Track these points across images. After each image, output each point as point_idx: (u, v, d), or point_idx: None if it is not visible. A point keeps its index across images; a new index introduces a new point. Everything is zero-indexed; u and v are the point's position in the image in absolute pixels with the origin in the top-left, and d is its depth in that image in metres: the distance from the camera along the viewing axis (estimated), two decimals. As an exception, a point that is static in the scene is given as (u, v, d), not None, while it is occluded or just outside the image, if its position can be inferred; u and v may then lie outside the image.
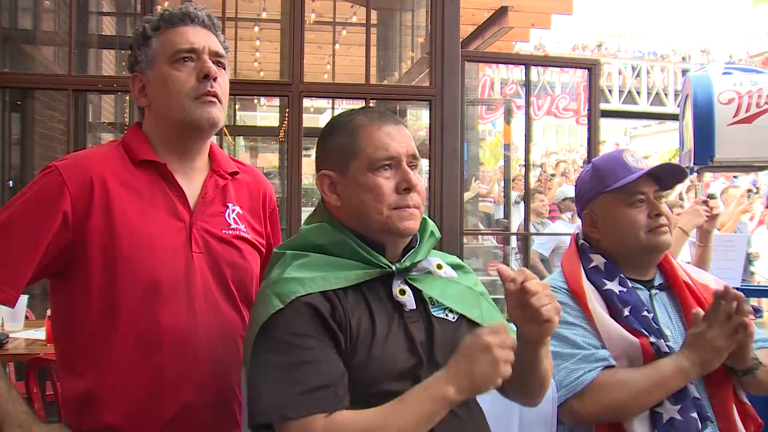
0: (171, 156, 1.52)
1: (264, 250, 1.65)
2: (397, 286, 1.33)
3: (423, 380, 1.23)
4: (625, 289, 1.74)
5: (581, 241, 1.87)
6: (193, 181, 1.54)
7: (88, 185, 1.41)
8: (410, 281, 1.34)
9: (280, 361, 1.21)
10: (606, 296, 1.74)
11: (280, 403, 1.19)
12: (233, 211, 1.57)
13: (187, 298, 1.45)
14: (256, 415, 1.23)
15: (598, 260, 1.81)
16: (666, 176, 1.81)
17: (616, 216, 1.78)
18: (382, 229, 1.32)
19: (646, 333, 1.68)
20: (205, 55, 1.51)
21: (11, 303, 1.40)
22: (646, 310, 1.73)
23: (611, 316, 1.71)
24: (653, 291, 1.81)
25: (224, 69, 1.56)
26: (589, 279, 1.78)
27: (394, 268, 1.33)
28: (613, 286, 1.75)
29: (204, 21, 1.55)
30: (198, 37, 1.52)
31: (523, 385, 1.39)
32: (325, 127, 1.43)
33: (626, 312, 1.70)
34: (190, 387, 1.44)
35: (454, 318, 1.34)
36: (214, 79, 1.50)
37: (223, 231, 1.54)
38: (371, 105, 4.41)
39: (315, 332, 1.23)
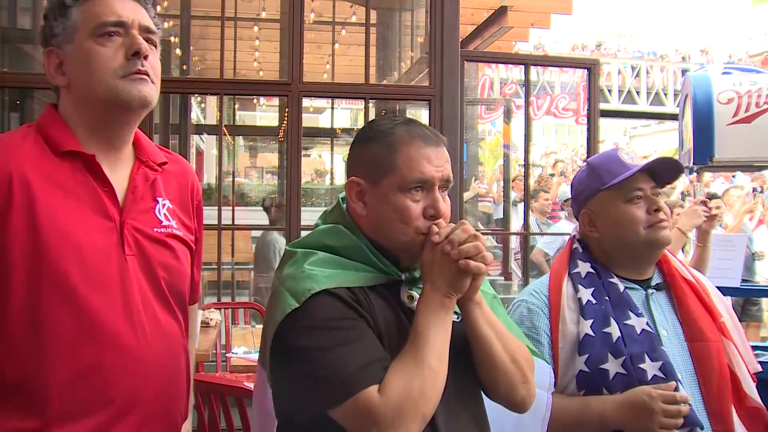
0: (96, 145, 1.35)
1: (194, 246, 1.51)
2: (405, 292, 1.34)
3: None
4: (595, 301, 1.73)
5: (575, 245, 1.87)
6: (119, 174, 1.37)
7: (5, 181, 1.24)
8: (417, 289, 1.35)
9: (320, 345, 1.21)
10: (579, 304, 1.74)
11: (336, 385, 1.19)
12: (163, 206, 1.42)
13: (124, 308, 1.30)
14: (307, 407, 1.22)
15: (582, 267, 1.80)
16: (662, 172, 1.80)
17: (615, 213, 1.77)
18: (402, 249, 1.33)
19: (599, 353, 1.66)
20: (135, 30, 1.34)
21: None
22: (626, 315, 1.70)
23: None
24: (650, 291, 1.80)
25: (155, 47, 1.39)
26: (572, 284, 1.78)
27: (403, 277, 1.35)
28: (584, 294, 1.74)
29: None
30: (126, 8, 1.35)
31: (479, 366, 1.35)
32: (365, 130, 1.39)
33: (588, 325, 1.69)
34: (137, 405, 1.31)
35: (458, 318, 1.35)
36: (145, 57, 1.34)
37: (155, 229, 1.38)
38: (371, 103, 4.42)
39: (348, 315, 1.24)
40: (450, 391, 1.27)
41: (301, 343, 1.22)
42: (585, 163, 1.94)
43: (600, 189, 1.80)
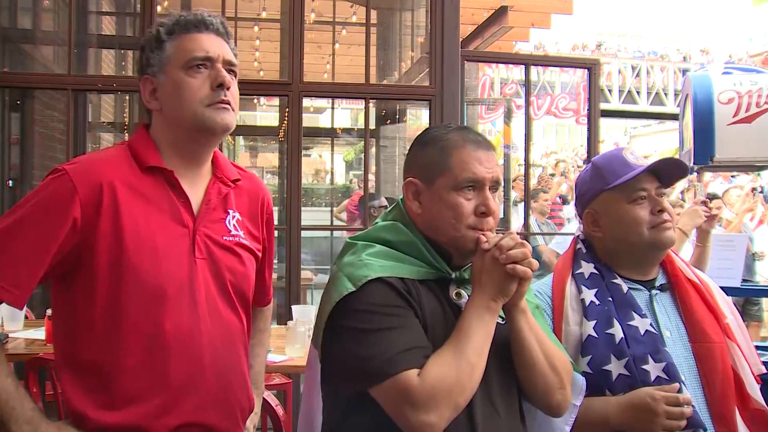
0: (178, 161, 1.54)
1: (260, 255, 1.69)
2: (454, 289, 1.43)
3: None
4: (598, 302, 1.73)
5: (579, 245, 1.87)
6: (197, 187, 1.56)
7: (97, 190, 1.43)
8: (466, 289, 1.43)
9: (369, 327, 1.31)
10: (582, 305, 1.75)
11: (378, 365, 1.28)
12: (233, 217, 1.60)
13: (190, 303, 1.47)
14: (351, 384, 1.33)
15: (586, 268, 1.80)
16: (667, 172, 1.80)
17: (619, 213, 1.77)
18: (453, 245, 1.42)
19: (602, 355, 1.67)
20: (219, 64, 1.53)
21: (20, 305, 1.41)
22: (630, 316, 1.71)
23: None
24: (654, 292, 1.79)
25: (235, 76, 1.58)
26: (575, 284, 1.79)
27: (454, 275, 1.44)
28: (587, 295, 1.75)
29: (218, 29, 1.57)
30: (213, 45, 1.54)
31: (519, 370, 1.43)
32: (421, 137, 1.51)
33: (591, 327, 1.70)
34: (194, 390, 1.47)
35: (503, 321, 1.42)
36: (228, 88, 1.53)
37: (224, 238, 1.57)
38: (371, 103, 4.41)
39: (397, 303, 1.33)
40: (492, 387, 1.38)
41: (351, 323, 1.33)
42: (589, 163, 1.94)
43: (604, 189, 1.80)
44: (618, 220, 1.77)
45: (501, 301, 1.36)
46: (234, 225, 1.60)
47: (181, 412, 1.45)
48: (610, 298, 1.74)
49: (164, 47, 1.54)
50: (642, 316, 1.71)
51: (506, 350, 1.42)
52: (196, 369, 1.47)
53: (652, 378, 1.64)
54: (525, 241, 1.37)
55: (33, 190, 1.46)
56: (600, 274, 1.79)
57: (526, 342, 1.40)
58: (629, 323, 1.70)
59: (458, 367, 1.28)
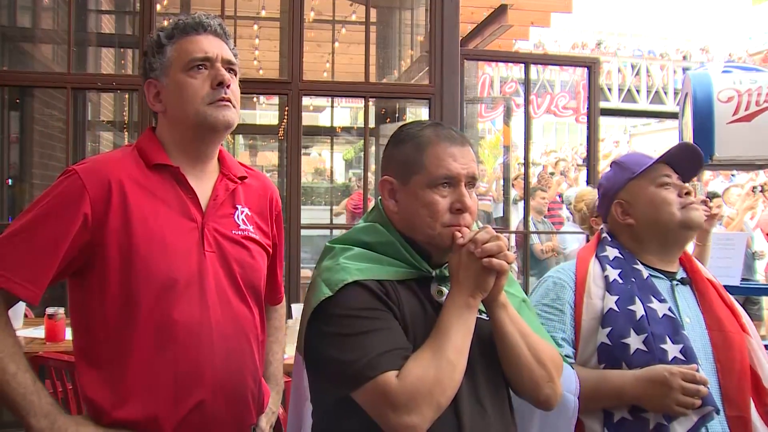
0: (184, 159, 1.59)
1: (270, 251, 1.73)
2: (435, 287, 1.42)
3: (463, 379, 1.32)
4: (621, 281, 1.77)
5: (604, 235, 1.92)
6: (204, 184, 1.61)
7: (106, 188, 1.47)
8: (447, 286, 1.42)
9: (347, 332, 1.30)
10: (606, 281, 1.79)
11: (357, 369, 1.27)
12: (242, 212, 1.64)
13: (200, 295, 1.51)
14: (333, 389, 1.33)
15: (610, 252, 1.85)
16: (684, 166, 1.87)
17: (648, 196, 1.84)
18: (430, 242, 1.41)
19: (622, 328, 1.70)
20: (218, 63, 1.58)
21: (35, 300, 1.44)
22: (649, 299, 1.74)
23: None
24: (674, 282, 1.84)
25: (235, 75, 1.63)
26: (599, 264, 1.84)
27: (434, 273, 1.43)
28: (611, 273, 1.79)
29: (216, 30, 1.62)
30: (211, 45, 1.59)
31: (504, 365, 1.42)
32: (395, 135, 1.50)
33: (613, 301, 1.74)
34: (204, 381, 1.50)
35: (487, 316, 1.41)
36: (228, 86, 1.58)
37: (233, 231, 1.61)
38: (371, 102, 4.41)
39: (375, 306, 1.33)
40: (479, 384, 1.37)
41: (330, 329, 1.32)
42: (609, 166, 2.01)
43: (630, 178, 1.87)
44: (649, 203, 1.83)
45: (479, 296, 1.35)
46: (243, 220, 1.63)
47: (193, 402, 1.48)
48: (633, 280, 1.78)
49: (165, 51, 1.59)
50: (661, 301, 1.74)
51: (492, 346, 1.41)
52: (206, 359, 1.50)
53: (670, 357, 1.66)
54: (499, 235, 1.36)
55: (45, 191, 1.50)
56: (624, 258, 1.84)
57: (508, 337, 1.39)
58: (649, 305, 1.73)
59: (438, 367, 1.27)
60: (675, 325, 1.71)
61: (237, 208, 1.64)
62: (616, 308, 1.73)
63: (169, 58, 1.59)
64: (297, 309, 3.42)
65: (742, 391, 1.72)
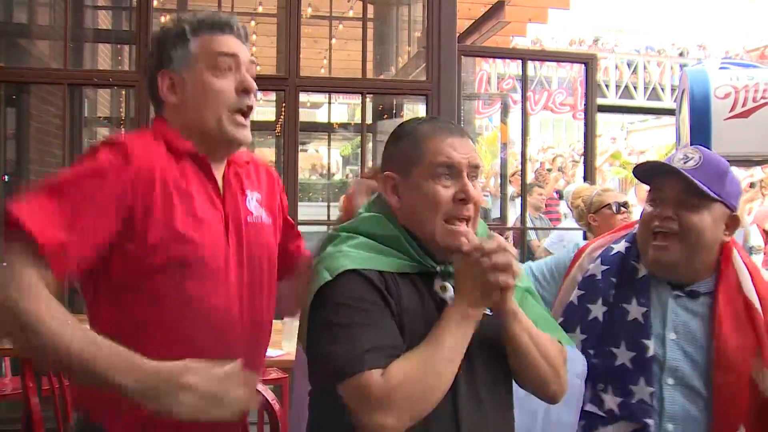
0: (200, 149, 1.57)
1: (281, 227, 1.77)
2: (439, 282, 1.40)
3: (461, 374, 1.32)
4: (599, 277, 1.74)
5: (634, 230, 1.79)
6: (217, 173, 1.60)
7: (151, 175, 1.45)
8: (451, 282, 1.39)
9: (339, 321, 1.29)
10: (583, 274, 1.78)
11: (342, 361, 1.26)
12: (253, 198, 1.65)
13: (225, 281, 1.52)
14: (322, 378, 1.34)
15: (622, 245, 1.77)
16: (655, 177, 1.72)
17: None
18: (431, 239, 1.38)
19: (571, 323, 1.72)
20: (244, 67, 1.55)
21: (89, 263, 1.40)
22: (627, 299, 1.69)
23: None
24: (676, 293, 1.69)
25: (254, 78, 1.61)
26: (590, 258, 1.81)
27: (438, 269, 1.41)
28: (593, 268, 1.76)
29: (240, 33, 1.58)
30: (239, 48, 1.56)
31: (514, 369, 1.42)
32: (394, 133, 1.49)
33: (577, 295, 1.75)
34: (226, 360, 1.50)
35: (490, 312, 1.39)
36: (253, 93, 1.56)
37: (248, 218, 1.61)
38: (368, 98, 4.41)
39: (371, 297, 1.31)
40: (477, 378, 1.36)
41: (326, 315, 1.32)
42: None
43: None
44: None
45: (482, 308, 1.32)
46: (255, 206, 1.64)
47: None
48: (619, 278, 1.72)
49: (188, 45, 1.54)
50: (641, 304, 1.67)
51: (494, 342, 1.39)
52: (230, 343, 1.50)
53: (617, 363, 1.65)
54: (507, 244, 1.31)
55: (85, 156, 1.44)
56: (626, 253, 1.75)
57: (522, 347, 1.37)
58: (623, 305, 1.69)
59: (424, 374, 1.25)
60: (640, 332, 1.64)
61: (246, 194, 1.63)
62: (575, 302, 1.74)
63: (193, 53, 1.54)
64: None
65: (731, 418, 1.60)
